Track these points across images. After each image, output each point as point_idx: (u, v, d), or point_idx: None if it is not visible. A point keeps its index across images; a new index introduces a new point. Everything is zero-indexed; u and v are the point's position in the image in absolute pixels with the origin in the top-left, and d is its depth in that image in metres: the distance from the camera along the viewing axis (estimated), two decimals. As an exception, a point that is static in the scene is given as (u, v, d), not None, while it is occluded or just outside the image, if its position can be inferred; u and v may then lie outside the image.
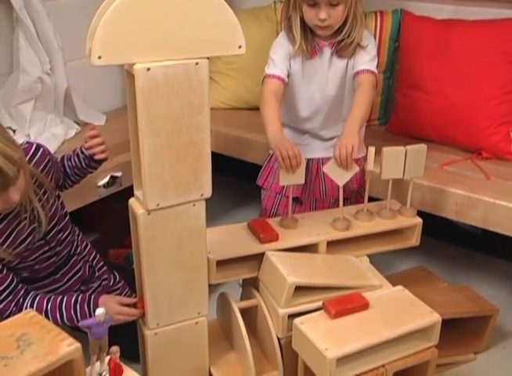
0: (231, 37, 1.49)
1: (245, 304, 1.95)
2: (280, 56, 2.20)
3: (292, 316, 1.80)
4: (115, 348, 1.42)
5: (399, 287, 1.91)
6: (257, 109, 2.91)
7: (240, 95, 3.04)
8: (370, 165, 2.03)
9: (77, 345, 1.30)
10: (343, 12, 2.11)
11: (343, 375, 1.66)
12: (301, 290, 1.82)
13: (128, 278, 2.07)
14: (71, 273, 2.09)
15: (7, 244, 1.84)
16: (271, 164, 2.38)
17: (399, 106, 2.71)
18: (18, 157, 1.68)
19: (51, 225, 1.96)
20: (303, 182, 2.05)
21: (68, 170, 2.10)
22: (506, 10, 2.51)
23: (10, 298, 1.86)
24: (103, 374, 1.49)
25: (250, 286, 2.00)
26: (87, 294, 1.96)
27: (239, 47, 1.50)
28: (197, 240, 1.71)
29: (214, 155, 1.64)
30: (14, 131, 2.57)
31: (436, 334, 1.77)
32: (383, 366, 1.71)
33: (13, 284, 1.87)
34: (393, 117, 2.74)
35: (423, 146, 2.06)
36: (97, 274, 2.19)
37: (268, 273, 1.90)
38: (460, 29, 2.54)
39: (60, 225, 2.02)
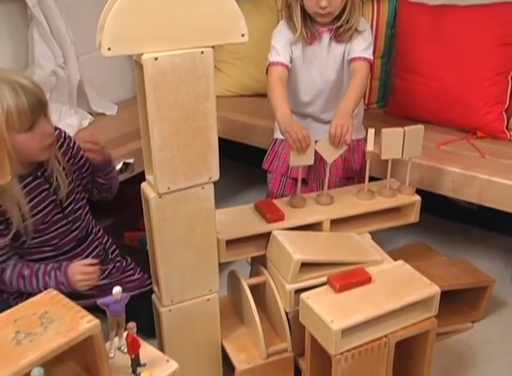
0: (234, 26, 1.48)
1: (254, 281, 1.95)
2: (282, 44, 2.19)
3: (298, 291, 1.80)
4: (132, 324, 1.43)
5: (400, 262, 1.91)
6: (260, 95, 2.94)
7: (244, 83, 3.04)
8: (370, 146, 2.02)
9: (96, 321, 1.31)
10: (342, 0, 2.11)
11: (347, 346, 1.67)
12: (306, 266, 1.83)
13: (142, 259, 2.06)
14: (89, 250, 2.10)
15: (28, 207, 1.85)
16: (275, 148, 2.38)
17: (397, 90, 2.70)
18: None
19: (69, 201, 1.98)
20: (312, 162, 2.04)
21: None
22: (497, -5, 2.49)
23: None
24: (122, 348, 1.49)
25: (259, 263, 2.00)
26: (61, 262, 1.97)
27: (242, 35, 1.49)
28: (207, 221, 1.71)
29: (220, 140, 1.63)
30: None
31: (435, 305, 1.77)
32: (385, 336, 1.71)
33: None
34: (391, 100, 2.74)
35: (420, 127, 2.05)
36: (110, 257, 2.20)
37: (275, 251, 1.90)
38: (453, 14, 2.53)
39: (78, 205, 2.04)
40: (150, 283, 1.94)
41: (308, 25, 2.18)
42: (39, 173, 1.89)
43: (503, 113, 2.49)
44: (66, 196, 1.97)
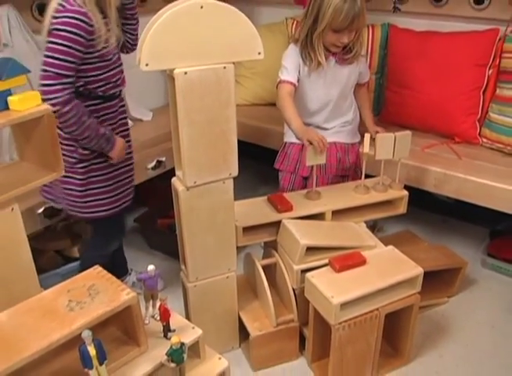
0: (252, 45, 1.48)
1: (266, 262, 1.94)
2: (292, 66, 2.17)
3: (304, 271, 1.80)
4: (164, 297, 1.42)
5: (390, 247, 1.90)
6: (272, 104, 2.94)
7: (259, 94, 3.02)
8: (366, 148, 2.01)
9: (134, 293, 1.31)
10: (356, 35, 2.13)
11: (345, 317, 1.67)
12: (311, 250, 1.82)
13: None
14: (119, 105, 1.93)
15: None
16: (285, 150, 2.36)
17: (389, 101, 2.68)
18: None
19: (116, 50, 1.87)
20: (324, 161, 2.02)
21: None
22: (471, 24, 2.49)
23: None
24: (155, 316, 1.49)
25: (270, 247, 1.99)
26: (112, 132, 1.85)
27: (259, 53, 1.49)
28: (227, 211, 1.71)
29: (239, 142, 1.63)
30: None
31: (419, 283, 1.77)
32: (377, 309, 1.72)
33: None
34: (384, 109, 2.72)
35: (408, 133, 2.03)
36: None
37: (285, 237, 1.89)
38: (436, 39, 2.51)
39: (120, 62, 1.91)
40: None
41: (321, 54, 2.15)
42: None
43: (476, 122, 2.47)
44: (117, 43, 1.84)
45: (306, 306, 1.81)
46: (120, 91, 1.93)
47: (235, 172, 1.64)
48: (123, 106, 1.96)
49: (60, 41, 1.64)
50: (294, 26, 2.83)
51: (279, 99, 2.18)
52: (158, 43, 1.38)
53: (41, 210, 2.03)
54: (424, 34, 2.57)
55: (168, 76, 1.49)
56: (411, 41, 2.59)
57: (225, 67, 1.47)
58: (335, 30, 2.07)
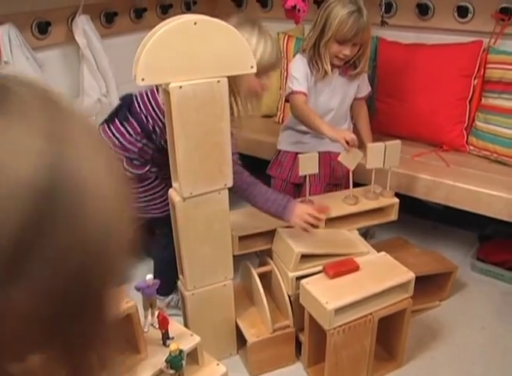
0: (245, 60, 1.48)
1: (262, 269, 1.93)
2: (301, 76, 2.17)
3: (299, 278, 1.79)
4: (162, 305, 1.41)
5: (382, 253, 1.90)
6: (267, 116, 2.93)
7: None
8: (341, 158, 2.02)
9: (133, 302, 1.31)
10: (358, 50, 2.14)
11: (339, 322, 1.66)
12: (305, 257, 1.81)
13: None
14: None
15: None
16: (278, 157, 2.37)
17: (379, 111, 2.68)
18: None
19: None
20: (317, 171, 2.01)
21: None
22: (456, 37, 2.49)
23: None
24: (154, 324, 1.48)
25: (266, 255, 1.98)
26: (289, 197, 1.82)
27: (251, 67, 1.49)
28: (223, 221, 1.70)
29: (234, 153, 1.62)
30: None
31: (411, 288, 1.76)
32: (370, 314, 1.71)
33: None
34: (374, 119, 2.71)
35: (398, 142, 2.03)
36: None
37: (280, 245, 1.88)
38: (422, 51, 2.52)
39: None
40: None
41: (327, 63, 2.15)
42: None
43: (463, 130, 2.48)
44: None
45: (301, 312, 1.80)
46: None
47: (230, 183, 1.64)
48: None
49: None
50: (286, 40, 2.84)
51: (295, 109, 2.17)
52: (153, 58, 1.38)
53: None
54: (411, 46, 2.58)
55: (164, 90, 1.49)
56: (399, 53, 2.59)
57: (218, 81, 1.46)
58: (339, 41, 2.08)
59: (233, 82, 1.61)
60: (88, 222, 0.41)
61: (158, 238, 2.06)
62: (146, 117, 1.83)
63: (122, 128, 1.85)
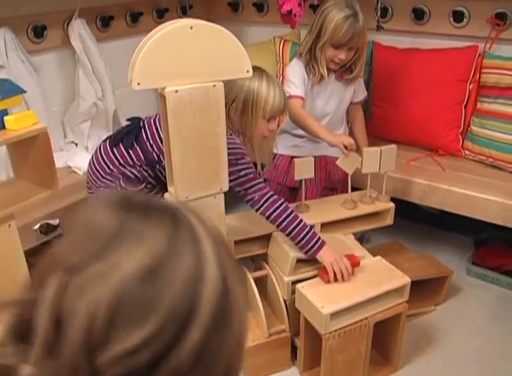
0: (240, 64, 1.48)
1: (257, 274, 1.93)
2: (298, 80, 2.16)
3: (294, 282, 1.79)
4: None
5: (378, 257, 1.90)
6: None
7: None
8: (339, 162, 2.02)
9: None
10: (354, 54, 2.14)
11: (335, 326, 1.66)
12: (300, 262, 1.82)
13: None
14: None
15: None
16: (275, 161, 2.36)
17: (374, 116, 2.69)
18: None
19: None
20: (312, 176, 2.03)
21: None
22: (452, 41, 2.50)
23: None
24: None
25: (261, 260, 1.98)
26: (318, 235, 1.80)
27: (247, 71, 1.49)
28: (218, 225, 1.68)
29: (230, 158, 1.62)
30: (76, 144, 2.57)
31: (407, 293, 1.77)
32: (366, 318, 1.71)
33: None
34: (370, 124, 2.71)
35: (393, 147, 2.03)
36: None
37: (275, 250, 1.88)
38: (418, 56, 2.53)
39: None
40: None
41: (324, 67, 2.15)
42: None
43: (459, 135, 2.48)
44: None
45: (297, 317, 1.80)
46: None
47: (226, 187, 1.63)
48: None
49: None
50: (282, 44, 2.84)
51: (293, 114, 2.16)
52: (149, 63, 1.37)
53: (37, 226, 2.02)
54: (407, 51, 2.58)
55: (160, 94, 1.49)
56: (394, 57, 2.60)
57: (214, 85, 1.46)
58: (334, 45, 2.08)
59: (246, 128, 1.79)
60: (235, 317, 0.56)
61: None
62: (152, 147, 1.81)
63: (126, 154, 1.83)
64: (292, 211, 1.77)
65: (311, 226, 1.82)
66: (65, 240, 0.57)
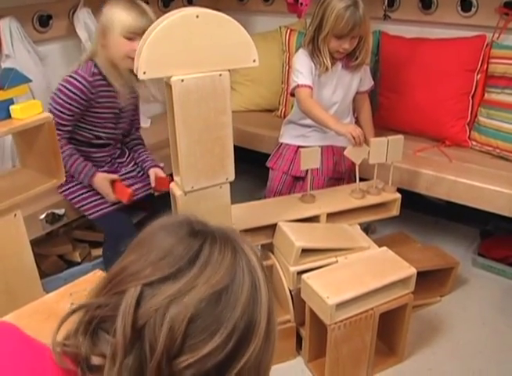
0: (247, 53, 1.47)
1: (263, 264, 1.93)
2: (306, 69, 2.16)
3: (300, 273, 1.79)
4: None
5: (384, 248, 1.90)
6: (267, 110, 2.94)
7: (254, 100, 3.01)
8: (347, 152, 2.02)
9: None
10: (358, 42, 2.14)
11: (340, 317, 1.66)
12: (306, 252, 1.81)
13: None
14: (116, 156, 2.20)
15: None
16: (280, 150, 2.37)
17: (381, 106, 2.68)
18: None
19: (126, 109, 2.13)
20: (318, 166, 2.03)
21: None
22: (459, 31, 2.48)
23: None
24: None
25: (267, 249, 1.98)
26: (91, 166, 2.02)
27: (254, 61, 1.49)
28: (224, 215, 1.70)
29: (235, 148, 1.62)
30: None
31: (412, 283, 1.77)
32: (371, 309, 1.71)
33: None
34: (376, 114, 2.71)
35: (400, 137, 2.03)
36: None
37: (281, 239, 1.88)
38: (425, 45, 2.51)
39: (129, 120, 2.19)
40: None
41: (327, 57, 2.15)
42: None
43: (466, 125, 2.47)
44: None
45: (302, 307, 1.80)
46: (118, 140, 2.19)
47: (231, 177, 1.64)
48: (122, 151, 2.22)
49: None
50: (288, 34, 2.83)
51: (301, 103, 2.15)
52: (155, 52, 1.37)
53: (43, 216, 2.03)
54: (414, 40, 2.57)
55: (166, 84, 1.49)
56: (401, 47, 2.59)
57: (220, 75, 1.46)
58: (337, 36, 2.08)
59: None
60: (275, 330, 0.75)
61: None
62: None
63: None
64: None
65: None
66: (140, 257, 0.70)
